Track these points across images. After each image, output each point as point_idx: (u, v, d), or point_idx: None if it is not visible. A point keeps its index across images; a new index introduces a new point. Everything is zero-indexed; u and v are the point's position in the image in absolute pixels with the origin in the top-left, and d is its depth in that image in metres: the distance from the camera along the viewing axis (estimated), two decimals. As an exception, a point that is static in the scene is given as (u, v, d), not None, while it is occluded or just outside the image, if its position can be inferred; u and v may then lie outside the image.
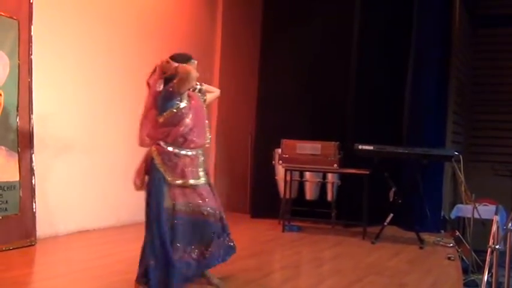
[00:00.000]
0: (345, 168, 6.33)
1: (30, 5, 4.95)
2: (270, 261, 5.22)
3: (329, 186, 6.98)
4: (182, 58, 3.62)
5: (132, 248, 5.16)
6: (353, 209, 6.54)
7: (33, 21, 4.98)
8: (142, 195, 6.41)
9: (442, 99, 6.89)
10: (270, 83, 7.40)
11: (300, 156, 6.46)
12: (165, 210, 3.51)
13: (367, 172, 5.99)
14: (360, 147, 5.88)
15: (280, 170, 6.98)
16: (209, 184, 3.74)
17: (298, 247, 5.73)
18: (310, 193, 7.07)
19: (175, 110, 3.51)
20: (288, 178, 6.57)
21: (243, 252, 5.03)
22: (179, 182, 3.54)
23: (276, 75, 7.35)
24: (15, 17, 4.83)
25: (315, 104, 7.14)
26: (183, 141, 3.56)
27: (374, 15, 6.96)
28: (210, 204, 3.65)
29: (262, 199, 7.37)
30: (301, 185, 7.12)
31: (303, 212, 6.81)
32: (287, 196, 6.62)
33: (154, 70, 3.58)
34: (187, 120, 3.56)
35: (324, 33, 7.15)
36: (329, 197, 6.97)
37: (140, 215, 6.48)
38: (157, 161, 3.52)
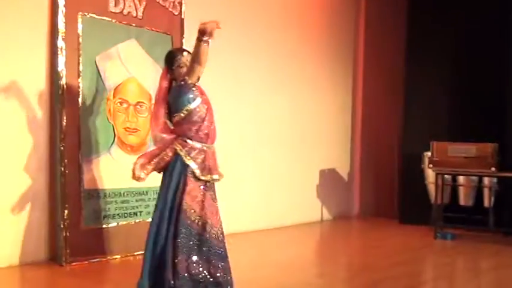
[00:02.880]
0: (505, 171, 5.82)
1: (182, 20, 5.29)
2: (421, 270, 4.96)
3: (486, 191, 6.46)
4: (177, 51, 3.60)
5: (284, 251, 5.30)
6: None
7: (185, 36, 5.30)
8: (291, 199, 6.57)
9: None
10: (417, 83, 7.12)
11: (452, 159, 6.08)
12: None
13: (531, 175, 5.45)
14: (522, 148, 5.38)
15: (430, 174, 6.64)
16: None
17: (452, 256, 5.38)
18: (464, 198, 6.62)
19: (192, 107, 3.38)
20: (440, 182, 6.22)
21: (394, 260, 4.88)
22: (207, 177, 3.38)
23: (423, 75, 7.04)
24: (168, 33, 5.19)
25: (466, 104, 6.72)
26: (205, 137, 3.43)
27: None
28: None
29: (411, 204, 7.07)
30: (454, 190, 6.69)
31: (456, 218, 6.38)
32: (439, 201, 6.27)
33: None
34: (206, 115, 3.44)
35: (473, 29, 6.70)
36: (486, 203, 6.46)
37: (290, 218, 6.66)
38: (185, 156, 3.34)
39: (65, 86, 4.40)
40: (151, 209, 4.89)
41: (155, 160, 3.39)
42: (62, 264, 4.28)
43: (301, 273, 4.40)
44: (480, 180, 6.49)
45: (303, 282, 4.04)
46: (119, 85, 4.80)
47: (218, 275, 3.31)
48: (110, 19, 4.73)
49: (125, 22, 4.84)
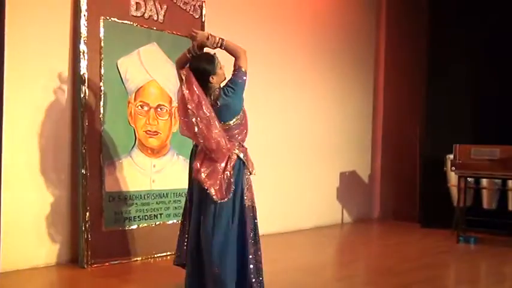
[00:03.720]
0: (529, 174, 5.73)
1: (202, 24, 5.32)
2: (444, 275, 4.89)
3: (510, 194, 6.37)
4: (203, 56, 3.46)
5: (301, 254, 5.29)
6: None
7: (205, 38, 5.32)
8: (307, 202, 6.54)
9: None
10: (438, 86, 7.03)
11: (476, 162, 5.99)
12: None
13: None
14: (547, 151, 5.28)
15: (452, 177, 6.56)
16: None
17: (475, 260, 5.30)
18: (487, 201, 6.52)
19: (243, 108, 3.47)
20: (462, 185, 6.13)
21: (415, 264, 4.82)
22: (253, 173, 3.50)
23: (445, 78, 6.95)
24: (189, 36, 5.20)
25: (489, 107, 6.64)
26: (246, 136, 3.52)
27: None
28: None
29: (433, 208, 6.98)
30: (477, 193, 6.60)
31: (479, 222, 6.28)
32: (461, 205, 6.18)
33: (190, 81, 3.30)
34: (246, 115, 3.51)
35: (496, 31, 6.63)
36: (510, 206, 6.36)
37: (307, 222, 6.63)
38: (244, 158, 3.43)
39: (87, 90, 4.45)
40: (172, 211, 4.96)
41: (226, 176, 3.33)
42: (83, 266, 4.32)
43: (321, 276, 4.38)
44: (504, 183, 6.39)
45: (322, 286, 4.02)
46: (140, 88, 4.83)
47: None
48: (132, 23, 4.77)
49: (146, 26, 4.87)
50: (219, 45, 3.45)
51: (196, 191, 3.44)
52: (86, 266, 4.32)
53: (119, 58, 4.68)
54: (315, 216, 6.75)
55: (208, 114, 3.25)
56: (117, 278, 4.15)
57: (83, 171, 4.39)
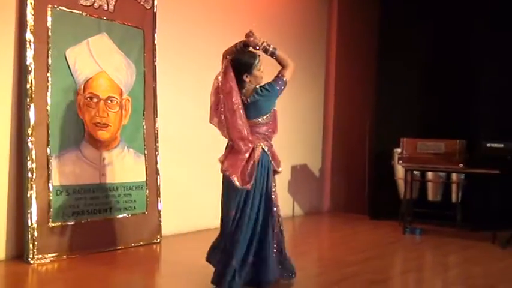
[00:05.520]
0: (472, 167, 5.95)
1: (154, 14, 5.25)
2: (390, 265, 5.04)
3: (454, 187, 6.61)
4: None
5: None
6: (481, 211, 6.14)
7: (157, 30, 5.26)
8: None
9: None
10: (388, 83, 7.18)
11: (422, 156, 6.19)
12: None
13: (497, 172, 5.58)
14: (489, 145, 5.50)
15: (399, 170, 6.75)
16: None
17: (421, 251, 5.48)
18: (432, 194, 6.75)
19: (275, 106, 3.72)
20: (409, 178, 6.32)
21: (363, 255, 4.93)
22: (278, 170, 3.74)
23: (394, 75, 7.11)
24: (140, 27, 5.14)
25: (436, 102, 6.83)
26: (273, 135, 3.74)
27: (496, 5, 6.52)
28: None
29: (381, 200, 7.16)
30: (423, 186, 6.81)
31: (425, 214, 6.51)
32: (408, 197, 6.37)
33: (227, 72, 3.55)
34: (275, 114, 3.74)
35: (449, 23, 6.81)
36: (454, 198, 6.61)
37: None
38: (269, 153, 3.66)
39: (33, 80, 4.31)
40: (122, 205, 4.88)
41: (250, 165, 3.52)
42: (29, 262, 4.20)
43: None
44: (448, 176, 6.63)
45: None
46: (89, 79, 4.72)
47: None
48: (80, 12, 4.65)
49: (95, 15, 4.76)
50: (269, 53, 3.66)
51: (225, 185, 3.69)
52: (32, 262, 4.20)
53: (67, 48, 4.56)
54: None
55: (235, 104, 3.45)
56: (63, 273, 4.08)
57: (29, 164, 4.26)
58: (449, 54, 6.80)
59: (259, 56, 3.66)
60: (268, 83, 3.66)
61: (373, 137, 7.40)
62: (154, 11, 5.26)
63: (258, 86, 3.65)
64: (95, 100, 4.75)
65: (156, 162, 5.25)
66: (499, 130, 6.25)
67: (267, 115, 3.65)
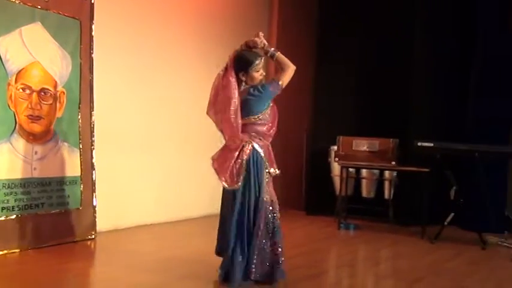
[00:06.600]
0: (404, 165, 6.18)
1: (92, 5, 5.11)
2: (325, 260, 5.16)
3: (386, 184, 6.84)
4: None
5: (190, 243, 5.29)
6: (411, 207, 6.39)
7: (94, 21, 5.13)
8: (196, 190, 6.52)
9: (507, 95, 6.58)
10: (326, 79, 7.33)
11: (357, 153, 6.38)
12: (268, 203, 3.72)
13: (427, 170, 5.82)
14: (420, 144, 5.72)
15: (335, 167, 6.91)
16: None
17: (354, 245, 5.64)
18: (366, 191, 6.96)
19: (270, 107, 3.75)
20: (344, 175, 6.49)
21: (298, 250, 5.02)
22: (272, 170, 3.78)
23: (333, 71, 7.27)
24: (77, 17, 4.99)
25: (372, 101, 7.02)
26: (270, 135, 3.82)
27: (436, 7, 6.78)
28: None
29: (317, 196, 7.31)
30: (358, 183, 7.01)
31: (359, 210, 6.71)
32: (343, 193, 6.54)
33: (228, 66, 3.64)
34: (274, 115, 3.83)
35: (384, 26, 7.01)
36: (386, 195, 6.84)
37: (196, 211, 6.63)
38: (263, 154, 3.69)
39: (-40, 69, 4.12)
40: (55, 200, 4.74)
41: (238, 164, 3.60)
42: (-46, 259, 4.02)
43: (207, 264, 4.40)
44: (381, 174, 6.85)
45: (209, 273, 4.05)
46: (22, 70, 4.55)
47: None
48: (13, 0, 4.47)
49: (29, 4, 4.58)
50: (269, 55, 3.72)
51: None
52: (-43, 259, 4.02)
53: (-2, 37, 4.38)
54: (205, 205, 6.77)
55: (230, 99, 3.52)
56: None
57: (-45, 157, 4.07)
58: (384, 57, 6.97)
59: (261, 57, 3.70)
60: (262, 84, 3.70)
61: (310, 135, 7.53)
62: (92, 1, 5.11)
63: (253, 86, 3.68)
64: (27, 92, 4.58)
65: (92, 157, 5.13)
66: (430, 130, 6.51)
67: (259, 115, 3.68)
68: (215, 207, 4.05)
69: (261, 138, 3.73)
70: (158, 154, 6.08)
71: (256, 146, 3.68)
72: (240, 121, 3.60)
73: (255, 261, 3.60)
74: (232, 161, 3.61)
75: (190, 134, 6.55)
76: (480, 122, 6.51)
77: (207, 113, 3.78)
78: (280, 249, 3.69)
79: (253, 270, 3.60)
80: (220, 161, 3.66)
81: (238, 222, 3.63)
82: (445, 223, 5.64)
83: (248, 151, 3.63)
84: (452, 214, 5.63)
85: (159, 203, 6.10)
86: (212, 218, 6.62)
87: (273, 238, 3.69)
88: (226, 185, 3.62)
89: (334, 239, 5.91)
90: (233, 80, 3.59)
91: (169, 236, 5.60)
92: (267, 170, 3.72)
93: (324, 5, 7.44)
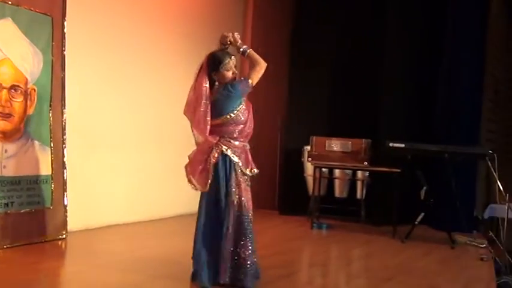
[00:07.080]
0: (376, 166, 6.26)
1: (64, 1, 5.03)
2: (297, 259, 5.19)
3: (359, 184, 6.92)
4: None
5: (162, 243, 5.26)
6: (383, 207, 6.48)
7: (67, 18, 5.06)
8: (170, 190, 6.48)
9: (476, 97, 6.73)
10: (300, 79, 7.38)
11: (330, 154, 6.43)
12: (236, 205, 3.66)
13: (398, 170, 5.91)
14: (391, 144, 5.80)
15: (309, 167, 6.96)
16: None
17: (327, 245, 5.69)
18: (339, 191, 7.03)
19: (242, 107, 3.69)
20: (317, 175, 6.53)
21: (271, 250, 5.04)
22: (250, 173, 3.78)
23: (305, 75, 7.32)
24: (49, 14, 4.91)
25: (345, 102, 7.11)
26: (246, 137, 3.77)
27: (407, 9, 6.88)
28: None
29: (290, 196, 7.35)
30: (331, 183, 7.07)
31: (332, 209, 6.78)
32: (316, 193, 6.59)
33: (202, 66, 3.63)
34: (248, 115, 3.76)
35: (355, 28, 7.10)
36: (359, 195, 6.92)
37: (169, 210, 6.60)
38: (232, 155, 3.64)
39: None
40: (25, 199, 4.66)
41: (206, 167, 3.58)
42: None
43: (179, 264, 4.40)
44: (354, 174, 6.92)
45: (181, 274, 4.04)
46: (-9, 66, 4.47)
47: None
48: (-18, -5, 4.39)
49: (-1, -1, 4.50)
50: (241, 50, 3.69)
51: None
52: None
53: (-33, 32, 4.29)
54: (179, 204, 6.74)
55: (200, 99, 3.51)
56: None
57: None
58: (357, 59, 7.05)
59: (231, 56, 3.66)
60: (232, 83, 3.63)
61: (284, 135, 7.56)
62: (65, -3, 5.05)
63: (224, 84, 3.63)
64: (-3, 88, 4.49)
65: (63, 155, 5.05)
66: (401, 131, 6.61)
67: (231, 115, 3.62)
68: (193, 206, 4.03)
69: (233, 139, 3.66)
70: (131, 153, 6.03)
71: (224, 148, 3.62)
72: (209, 123, 3.55)
73: (222, 264, 3.56)
74: (201, 165, 3.59)
75: (165, 132, 6.50)
76: (451, 123, 6.64)
77: (184, 113, 3.74)
78: (249, 252, 3.61)
79: (222, 273, 3.55)
80: (191, 164, 3.66)
81: (205, 224, 3.61)
82: (416, 223, 5.73)
83: (216, 154, 3.59)
84: (423, 214, 5.72)
85: (131, 203, 6.05)
86: (188, 218, 6.62)
87: (243, 241, 3.62)
88: (193, 188, 3.63)
89: (307, 239, 5.95)
90: (205, 79, 3.57)
91: (141, 236, 5.56)
92: (240, 171, 3.68)
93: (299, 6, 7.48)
